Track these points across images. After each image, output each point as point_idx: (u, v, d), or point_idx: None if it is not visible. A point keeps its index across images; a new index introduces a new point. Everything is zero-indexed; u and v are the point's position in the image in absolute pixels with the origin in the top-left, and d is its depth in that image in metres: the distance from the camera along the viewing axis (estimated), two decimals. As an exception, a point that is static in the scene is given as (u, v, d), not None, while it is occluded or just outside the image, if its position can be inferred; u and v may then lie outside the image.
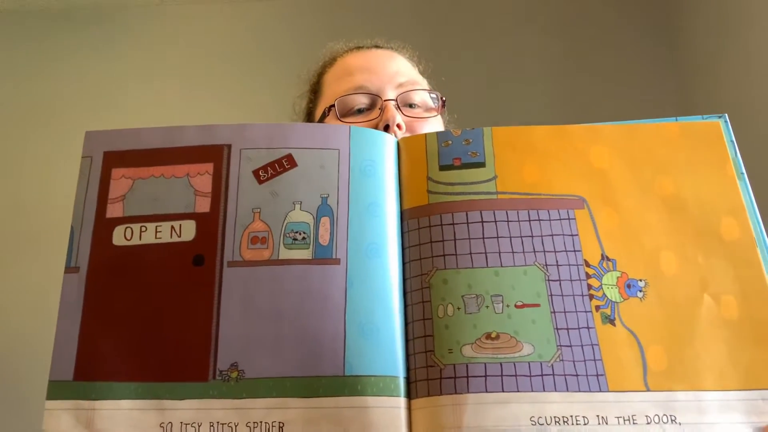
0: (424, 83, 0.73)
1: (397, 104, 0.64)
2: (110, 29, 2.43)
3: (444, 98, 0.70)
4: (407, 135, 0.62)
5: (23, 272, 2.16)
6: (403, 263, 0.41)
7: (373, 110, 0.65)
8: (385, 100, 0.64)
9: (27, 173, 2.39)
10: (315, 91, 0.76)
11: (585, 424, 0.34)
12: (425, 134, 0.43)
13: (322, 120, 0.69)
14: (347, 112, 0.66)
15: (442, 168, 0.41)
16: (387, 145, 0.44)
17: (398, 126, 0.62)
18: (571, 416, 0.34)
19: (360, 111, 0.66)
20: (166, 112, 2.34)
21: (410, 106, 0.66)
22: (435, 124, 0.68)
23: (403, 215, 0.41)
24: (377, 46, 0.75)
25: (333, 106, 0.66)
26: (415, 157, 0.42)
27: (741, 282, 0.37)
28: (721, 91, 1.91)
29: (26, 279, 2.15)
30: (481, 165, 0.41)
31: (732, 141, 0.42)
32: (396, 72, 0.68)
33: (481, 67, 2.20)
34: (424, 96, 0.67)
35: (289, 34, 2.31)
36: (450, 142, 0.42)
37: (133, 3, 2.39)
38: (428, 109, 0.68)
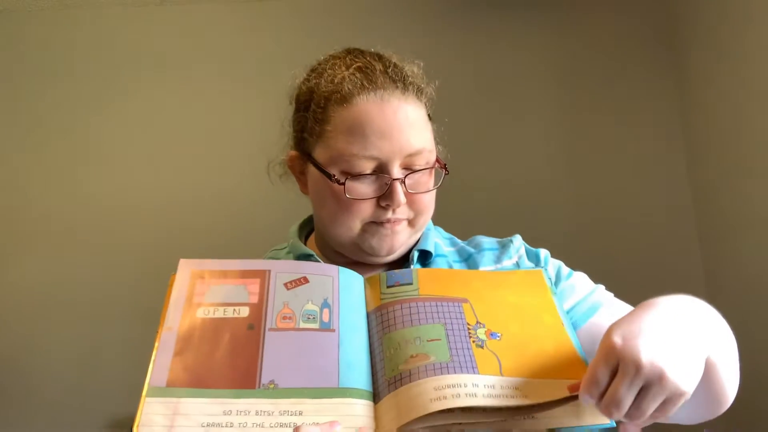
0: (429, 138, 0.76)
1: (403, 180, 0.73)
2: (108, 28, 2.48)
3: (446, 168, 0.77)
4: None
5: (22, 272, 2.14)
6: (370, 333, 0.71)
7: (377, 180, 0.74)
8: (393, 180, 0.73)
9: (25, 174, 2.35)
10: (318, 120, 0.75)
11: (465, 387, 0.60)
12: (379, 274, 0.77)
13: (323, 169, 0.75)
14: (353, 175, 0.73)
15: (388, 287, 0.75)
16: (359, 279, 0.77)
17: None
18: (456, 384, 0.61)
19: (364, 174, 0.74)
20: (165, 110, 2.41)
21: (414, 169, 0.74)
22: (432, 196, 0.79)
23: (368, 314, 0.73)
24: (394, 81, 0.73)
25: (343, 183, 0.73)
26: (374, 285, 0.76)
27: (554, 341, 0.70)
28: (720, 109, 2.08)
29: (25, 279, 2.15)
30: (410, 284, 0.75)
31: (550, 278, 0.78)
32: (408, 140, 0.72)
33: (480, 75, 2.42)
34: (428, 160, 0.75)
35: (287, 34, 2.47)
36: (393, 276, 0.76)
37: (133, 3, 2.44)
38: (429, 170, 0.76)
